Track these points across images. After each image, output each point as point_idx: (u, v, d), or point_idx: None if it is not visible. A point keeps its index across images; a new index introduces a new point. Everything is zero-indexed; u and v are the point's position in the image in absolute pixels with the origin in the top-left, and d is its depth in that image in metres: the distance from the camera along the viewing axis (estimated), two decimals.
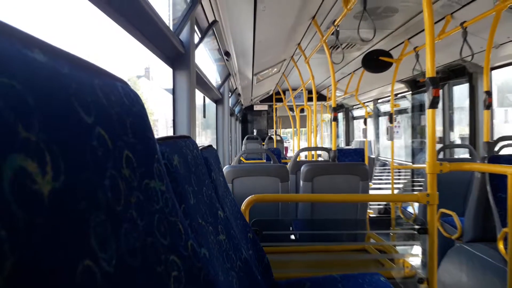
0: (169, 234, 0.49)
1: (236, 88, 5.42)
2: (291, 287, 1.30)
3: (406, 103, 5.31)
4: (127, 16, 1.21)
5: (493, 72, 3.28)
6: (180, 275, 0.49)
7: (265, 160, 5.34)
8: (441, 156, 3.70)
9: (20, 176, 0.24)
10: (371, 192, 4.08)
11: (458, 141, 4.13)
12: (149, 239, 0.42)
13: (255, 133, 9.52)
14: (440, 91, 2.86)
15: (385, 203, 4.49)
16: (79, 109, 0.33)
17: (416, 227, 1.67)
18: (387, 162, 5.52)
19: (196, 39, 1.93)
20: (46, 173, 0.26)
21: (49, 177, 0.27)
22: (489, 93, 2.52)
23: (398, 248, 2.40)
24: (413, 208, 3.25)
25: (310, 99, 5.80)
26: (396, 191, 4.50)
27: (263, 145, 7.73)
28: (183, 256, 0.51)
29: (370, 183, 3.51)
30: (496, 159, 1.87)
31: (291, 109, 7.75)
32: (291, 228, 2.77)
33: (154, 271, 0.42)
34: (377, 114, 6.33)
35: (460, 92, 3.96)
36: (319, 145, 6.85)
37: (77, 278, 0.28)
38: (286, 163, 3.44)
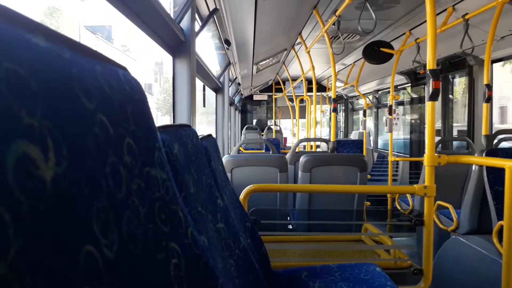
0: (170, 222, 0.49)
1: (236, 77, 5.39)
2: (288, 276, 1.32)
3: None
4: (127, 2, 1.20)
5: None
6: (180, 262, 0.49)
7: (264, 150, 5.35)
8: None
9: (23, 162, 0.24)
10: (369, 183, 4.10)
11: None
12: (150, 226, 0.43)
13: (254, 123, 9.51)
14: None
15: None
16: (81, 95, 0.33)
17: (413, 218, 1.69)
18: (385, 154, 5.53)
19: (197, 27, 1.91)
20: (49, 159, 0.26)
21: (51, 163, 0.27)
22: (489, 86, 2.52)
23: (394, 239, 2.42)
24: (410, 200, 3.27)
25: (310, 89, 5.79)
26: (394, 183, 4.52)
27: (262, 135, 7.74)
28: (183, 243, 0.52)
29: (368, 175, 3.53)
30: (494, 152, 1.88)
31: (291, 99, 7.73)
32: (289, 218, 2.79)
33: (155, 258, 0.42)
34: (376, 105, 6.32)
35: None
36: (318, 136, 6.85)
37: (79, 264, 0.28)
38: (285, 154, 3.45)
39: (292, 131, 7.98)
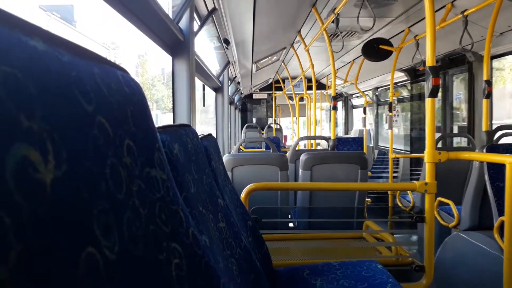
0: (171, 222, 0.49)
1: (236, 76, 5.39)
2: (290, 274, 1.32)
3: None
4: (126, 3, 1.20)
5: None
6: (182, 262, 0.49)
7: (264, 149, 5.35)
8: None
9: (22, 165, 0.24)
10: (369, 180, 4.10)
11: None
12: (151, 227, 0.43)
13: (254, 122, 9.50)
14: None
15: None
16: (80, 98, 0.33)
17: (414, 215, 1.69)
18: (386, 151, 5.53)
19: (196, 27, 1.91)
20: (48, 162, 0.26)
21: (51, 166, 0.27)
22: (489, 82, 2.52)
23: (395, 236, 2.42)
24: (411, 197, 3.28)
25: (309, 87, 5.78)
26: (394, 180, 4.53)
27: (263, 133, 7.74)
28: (184, 243, 0.52)
29: (369, 172, 3.53)
30: (495, 148, 1.88)
31: (291, 97, 7.73)
32: (290, 216, 2.79)
33: (156, 258, 0.43)
34: (376, 102, 6.32)
35: None
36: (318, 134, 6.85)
37: (80, 266, 0.28)
38: (285, 152, 3.45)
39: (293, 128, 7.98)
